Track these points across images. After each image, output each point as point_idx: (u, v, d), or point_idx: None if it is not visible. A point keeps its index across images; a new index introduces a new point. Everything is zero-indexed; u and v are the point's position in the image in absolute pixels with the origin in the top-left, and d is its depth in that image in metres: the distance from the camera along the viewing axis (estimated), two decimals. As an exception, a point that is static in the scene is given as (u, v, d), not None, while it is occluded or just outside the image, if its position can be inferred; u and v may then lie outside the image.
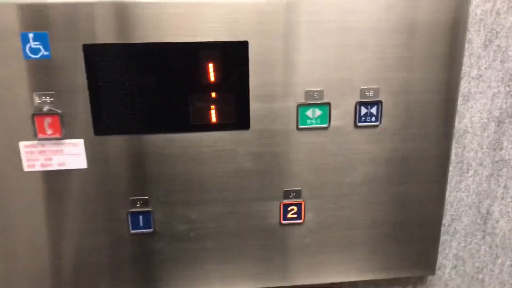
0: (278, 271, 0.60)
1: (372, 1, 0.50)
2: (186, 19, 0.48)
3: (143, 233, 0.56)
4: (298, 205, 0.57)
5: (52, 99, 0.49)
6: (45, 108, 0.50)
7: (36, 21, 0.47)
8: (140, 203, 0.55)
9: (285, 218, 0.58)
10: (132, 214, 0.55)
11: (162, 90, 0.50)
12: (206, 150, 0.54)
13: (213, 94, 0.51)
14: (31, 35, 0.47)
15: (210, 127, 0.53)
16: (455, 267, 0.66)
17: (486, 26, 0.55)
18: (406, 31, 0.52)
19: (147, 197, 0.55)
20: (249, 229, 0.58)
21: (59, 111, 0.50)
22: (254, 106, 0.53)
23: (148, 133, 0.52)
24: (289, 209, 0.57)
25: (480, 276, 0.67)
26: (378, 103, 0.54)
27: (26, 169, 0.52)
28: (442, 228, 0.63)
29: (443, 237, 0.64)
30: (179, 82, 0.50)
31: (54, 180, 0.53)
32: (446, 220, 0.63)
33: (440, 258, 0.65)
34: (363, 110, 0.54)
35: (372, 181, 0.57)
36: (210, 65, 0.50)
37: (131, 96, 0.50)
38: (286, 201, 0.57)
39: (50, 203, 0.53)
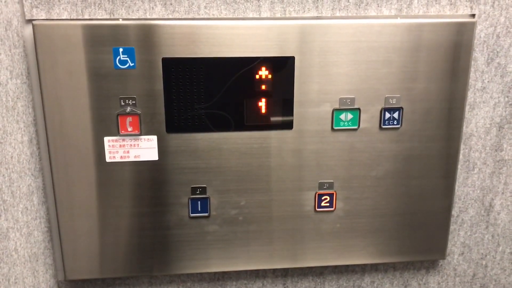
0: (312, 252, 0.70)
1: (396, 25, 0.61)
2: (246, 38, 0.59)
3: (200, 217, 0.66)
4: (331, 195, 0.67)
5: (134, 102, 0.60)
6: (128, 109, 0.60)
7: (125, 38, 0.58)
8: (199, 191, 0.65)
9: (319, 206, 0.68)
10: (192, 200, 0.65)
11: (223, 96, 0.61)
12: (256, 146, 0.64)
13: (264, 100, 0.62)
14: (121, 49, 0.58)
15: (260, 127, 0.63)
16: (462, 253, 0.76)
17: (489, 47, 0.66)
18: (423, 49, 0.62)
19: (205, 186, 0.65)
20: (289, 215, 0.68)
21: (139, 112, 0.61)
22: (297, 110, 0.63)
23: (210, 132, 0.62)
24: (323, 198, 0.67)
25: (484, 262, 0.77)
26: (400, 109, 0.65)
27: (108, 160, 0.62)
28: (451, 219, 0.72)
29: (452, 227, 0.74)
30: (237, 89, 0.61)
31: (129, 170, 0.63)
32: (454, 211, 0.73)
33: (449, 245, 0.75)
34: (387, 115, 0.65)
35: (393, 176, 0.67)
36: (263, 76, 0.61)
37: (197, 101, 0.61)
38: (321, 191, 0.67)
39: (125, 189, 0.64)
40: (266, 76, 0.61)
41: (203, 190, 0.65)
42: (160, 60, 0.59)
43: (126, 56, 0.58)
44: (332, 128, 0.64)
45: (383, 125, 0.65)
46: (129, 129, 0.61)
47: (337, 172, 0.66)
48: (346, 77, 0.62)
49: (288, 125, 0.64)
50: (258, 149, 0.64)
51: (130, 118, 0.61)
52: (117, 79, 0.59)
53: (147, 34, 0.58)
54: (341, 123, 0.64)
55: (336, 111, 0.64)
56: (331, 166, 0.66)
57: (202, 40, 0.59)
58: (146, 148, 0.62)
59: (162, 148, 0.62)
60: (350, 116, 0.64)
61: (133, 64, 0.59)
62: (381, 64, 0.62)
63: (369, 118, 0.64)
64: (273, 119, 0.63)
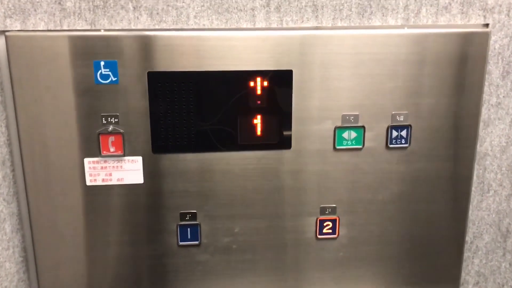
0: (314, 283, 0.64)
1: (402, 35, 0.57)
2: (239, 50, 0.55)
3: (190, 245, 0.61)
4: (333, 221, 0.62)
5: (117, 120, 0.55)
6: (110, 128, 0.55)
7: (107, 50, 0.53)
8: (189, 216, 0.60)
9: (321, 233, 0.62)
10: (181, 226, 0.60)
11: (214, 113, 0.56)
12: (250, 167, 0.59)
13: (259, 117, 0.57)
14: (102, 63, 0.53)
15: (255, 147, 0.58)
16: (477, 283, 0.70)
17: (504, 59, 0.61)
18: (432, 62, 0.58)
19: (195, 211, 0.60)
20: (288, 243, 0.62)
21: (122, 131, 0.56)
22: (296, 128, 0.58)
23: (200, 152, 0.57)
24: (324, 224, 0.62)
25: (501, 292, 0.71)
26: (408, 127, 0.60)
27: (88, 183, 0.57)
28: (465, 245, 0.67)
29: (465, 254, 0.68)
30: (230, 106, 0.56)
31: (112, 193, 0.58)
32: (468, 237, 0.68)
33: (463, 274, 0.69)
34: (394, 133, 0.60)
35: (401, 199, 0.62)
36: (258, 91, 0.56)
37: (186, 118, 0.56)
38: (322, 217, 0.62)
39: (107, 215, 0.58)
40: (262, 91, 0.56)
41: (193, 216, 0.60)
42: (145, 74, 0.54)
43: (108, 70, 0.54)
44: (334, 147, 0.59)
45: (390, 144, 0.60)
46: (112, 149, 0.56)
47: (340, 196, 0.61)
48: (349, 92, 0.58)
49: (286, 144, 0.59)
50: (253, 170, 0.59)
51: (113, 137, 0.56)
52: (98, 95, 0.54)
53: (131, 46, 0.54)
54: (344, 142, 0.59)
55: (339, 129, 0.59)
56: (334, 189, 0.61)
57: (191, 53, 0.54)
58: (130, 170, 0.57)
59: (147, 170, 0.57)
60: (353, 134, 0.59)
61: (115, 78, 0.54)
62: (386, 78, 0.58)
63: (375, 137, 0.60)
64: (269, 137, 0.58)
